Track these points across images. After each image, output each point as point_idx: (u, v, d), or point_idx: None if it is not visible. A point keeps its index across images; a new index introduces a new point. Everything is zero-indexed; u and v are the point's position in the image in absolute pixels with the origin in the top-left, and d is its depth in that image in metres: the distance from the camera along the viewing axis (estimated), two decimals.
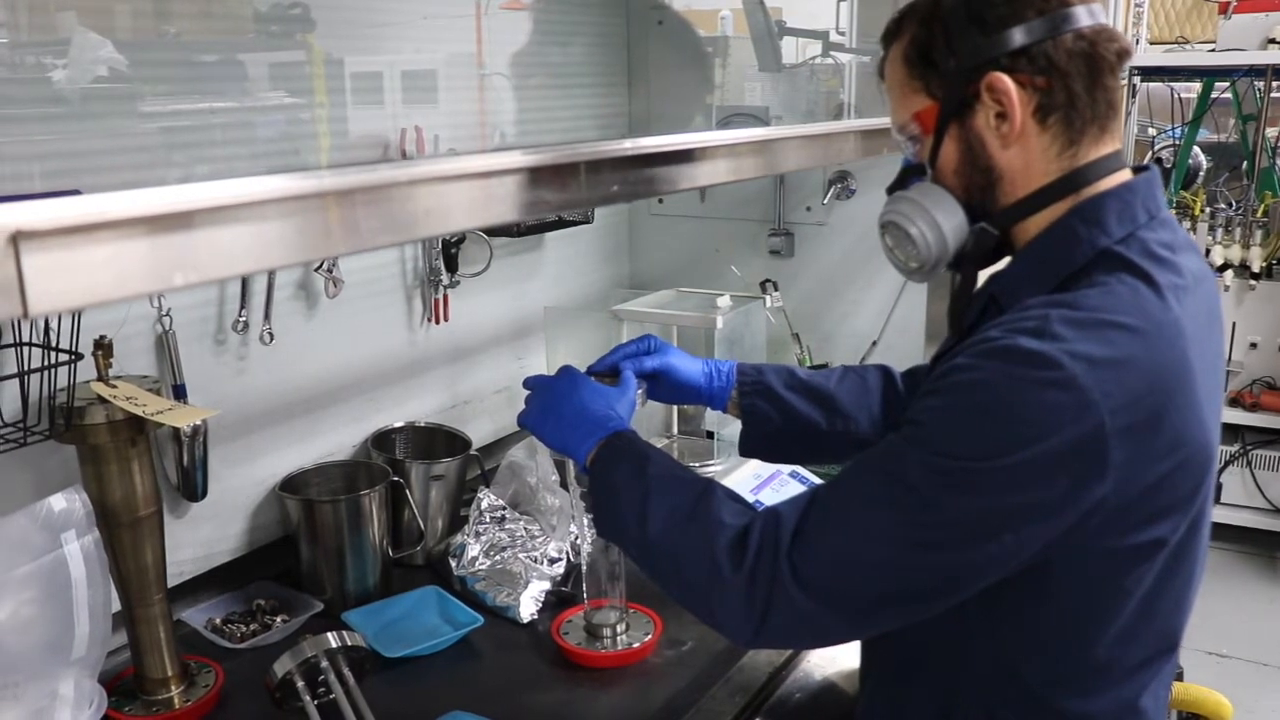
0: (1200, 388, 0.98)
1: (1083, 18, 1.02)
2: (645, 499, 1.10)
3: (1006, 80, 1.02)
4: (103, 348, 1.32)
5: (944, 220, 1.09)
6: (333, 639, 1.36)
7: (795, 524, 1.00)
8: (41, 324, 1.26)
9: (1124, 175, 1.06)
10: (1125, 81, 4.13)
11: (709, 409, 1.48)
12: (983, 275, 1.14)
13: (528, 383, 1.34)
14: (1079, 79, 1.02)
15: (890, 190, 1.16)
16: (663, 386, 1.41)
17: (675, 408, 2.17)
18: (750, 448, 1.45)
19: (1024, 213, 1.07)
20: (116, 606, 1.33)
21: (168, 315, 1.54)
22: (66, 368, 1.26)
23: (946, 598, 0.99)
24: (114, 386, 1.30)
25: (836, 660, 1.56)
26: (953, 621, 1.06)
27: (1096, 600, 1.02)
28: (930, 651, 1.13)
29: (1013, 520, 0.93)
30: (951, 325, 1.17)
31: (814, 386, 1.42)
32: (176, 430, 1.53)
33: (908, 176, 1.15)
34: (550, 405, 1.26)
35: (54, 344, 1.26)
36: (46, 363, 1.25)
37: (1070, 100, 1.03)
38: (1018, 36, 1.01)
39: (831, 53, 2.41)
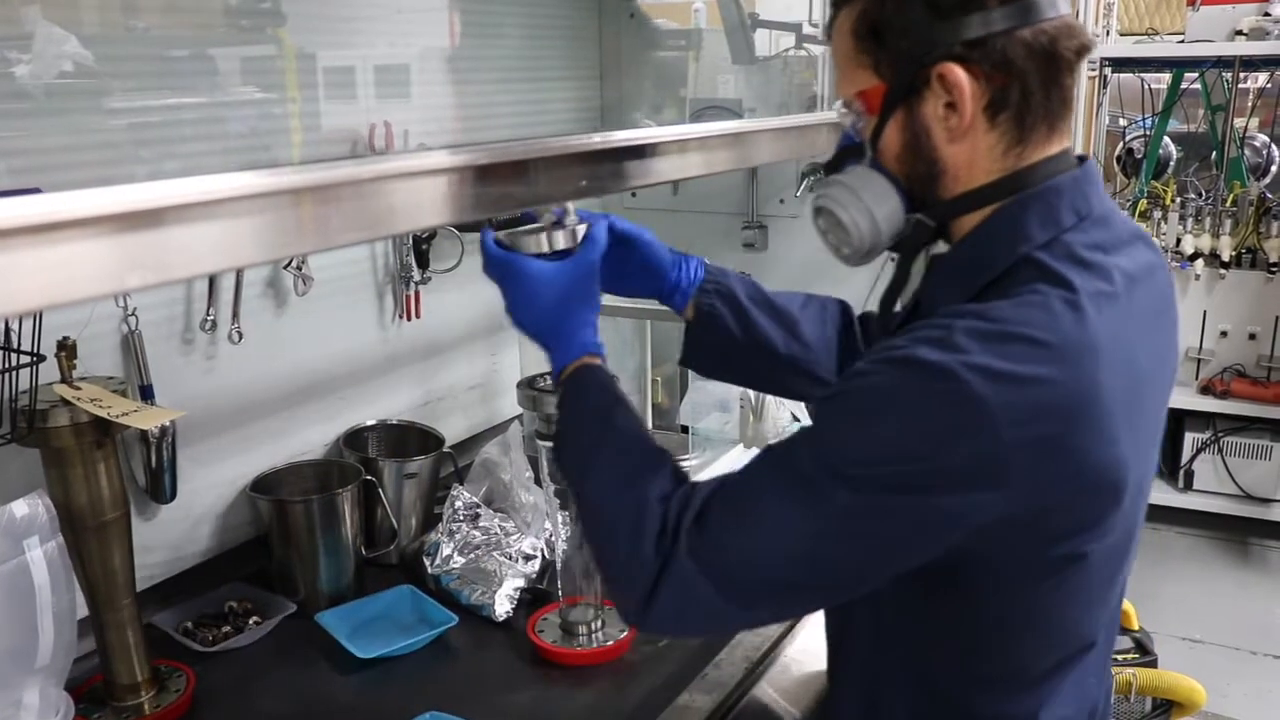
0: (1116, 407, 0.91)
1: (1046, 9, 0.96)
2: (596, 448, 1.08)
3: (960, 73, 0.95)
4: (66, 348, 1.30)
5: (878, 209, 1.04)
6: None
7: (700, 505, 0.99)
8: (1, 325, 1.23)
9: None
10: (1095, 73, 4.16)
11: (680, 392, 1.43)
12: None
13: (492, 254, 1.20)
14: (1035, 77, 0.96)
15: (828, 170, 1.11)
16: (625, 265, 1.30)
17: (649, 403, 2.15)
18: (696, 356, 1.37)
19: (963, 209, 1.03)
20: (84, 612, 1.31)
21: (133, 315, 1.51)
22: (28, 369, 1.23)
23: (837, 591, 0.99)
24: (78, 388, 1.28)
25: (812, 653, 1.56)
26: (869, 624, 1.06)
27: (1007, 606, 1.00)
28: (853, 652, 1.13)
29: (902, 526, 0.91)
30: (882, 314, 1.15)
31: (778, 306, 1.36)
32: (144, 432, 1.51)
33: (846, 157, 1.08)
34: (534, 294, 1.17)
35: (15, 345, 1.24)
36: (7, 364, 1.23)
37: (1024, 99, 0.97)
38: (977, 26, 0.94)
39: (805, 45, 2.40)
